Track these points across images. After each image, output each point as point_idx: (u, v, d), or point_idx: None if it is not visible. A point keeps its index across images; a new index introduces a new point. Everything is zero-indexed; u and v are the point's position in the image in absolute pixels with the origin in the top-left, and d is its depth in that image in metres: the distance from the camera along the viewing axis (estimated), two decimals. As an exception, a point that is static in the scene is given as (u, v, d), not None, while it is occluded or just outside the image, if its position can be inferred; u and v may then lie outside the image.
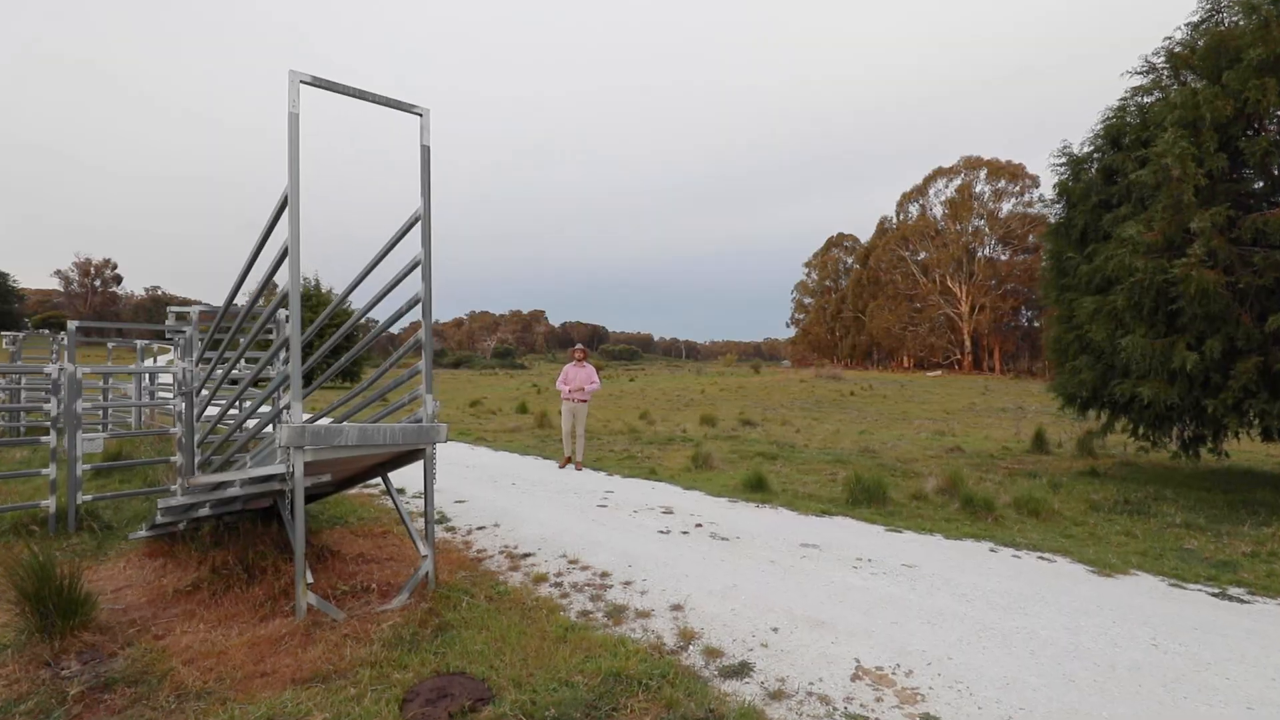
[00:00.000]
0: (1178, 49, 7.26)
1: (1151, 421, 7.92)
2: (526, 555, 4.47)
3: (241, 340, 3.99)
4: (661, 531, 5.09)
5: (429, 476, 3.65)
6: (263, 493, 3.50)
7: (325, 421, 4.48)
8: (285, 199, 3.15)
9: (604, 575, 4.04)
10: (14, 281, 56.35)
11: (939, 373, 53.75)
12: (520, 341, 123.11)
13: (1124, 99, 7.87)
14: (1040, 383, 44.05)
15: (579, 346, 9.19)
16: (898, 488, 7.03)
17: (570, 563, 4.29)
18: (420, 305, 3.65)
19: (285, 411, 3.03)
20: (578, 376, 8.78)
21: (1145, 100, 7.53)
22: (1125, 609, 3.51)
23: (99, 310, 75.13)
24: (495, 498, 6.37)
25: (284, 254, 3.20)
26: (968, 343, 58.12)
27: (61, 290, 79.11)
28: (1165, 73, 7.38)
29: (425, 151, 3.60)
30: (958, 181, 60.18)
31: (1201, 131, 6.46)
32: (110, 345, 10.86)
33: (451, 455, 9.44)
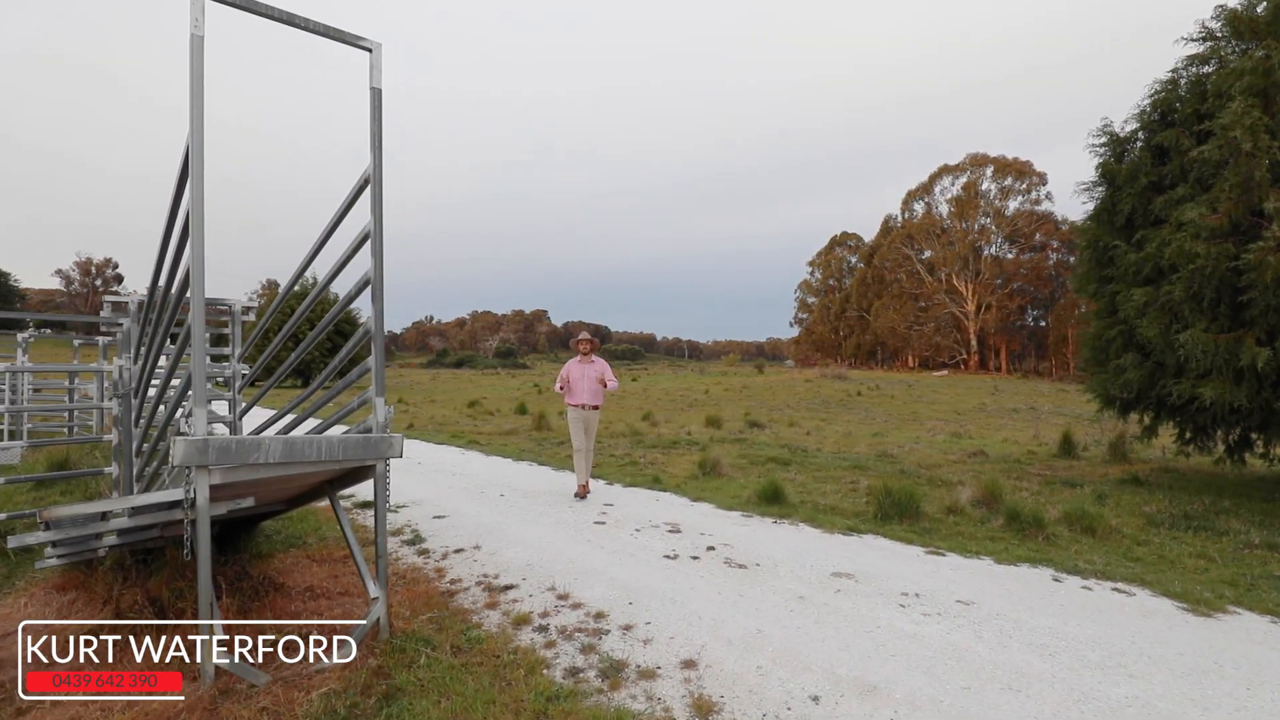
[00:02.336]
0: (1239, 11, 6.54)
1: (1207, 424, 7.22)
2: (508, 588, 3.77)
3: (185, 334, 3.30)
4: (668, 556, 4.38)
5: (380, 500, 2.96)
6: (177, 519, 2.81)
7: (273, 430, 3.81)
8: (187, 154, 2.47)
9: (599, 616, 3.34)
10: (15, 281, 56.08)
11: (945, 372, 52.96)
12: (523, 341, 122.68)
13: (1175, 70, 7.15)
14: (1049, 383, 43.26)
15: (585, 335, 6.62)
16: (928, 499, 6.32)
17: (559, 598, 3.59)
18: (370, 288, 2.95)
19: (185, 421, 2.34)
20: (586, 376, 6.36)
21: (1202, 70, 6.81)
22: (1254, 668, 2.80)
23: (99, 310, 74.66)
24: (480, 512, 5.67)
25: (187, 225, 2.51)
26: (974, 342, 57.32)
27: (63, 290, 78.86)
28: (1225, 39, 6.65)
29: (376, 96, 2.91)
30: (963, 179, 59.41)
31: (1275, 100, 5.75)
32: (77, 343, 10.18)
33: (440, 461, 8.76)
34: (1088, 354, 8.39)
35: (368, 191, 2.96)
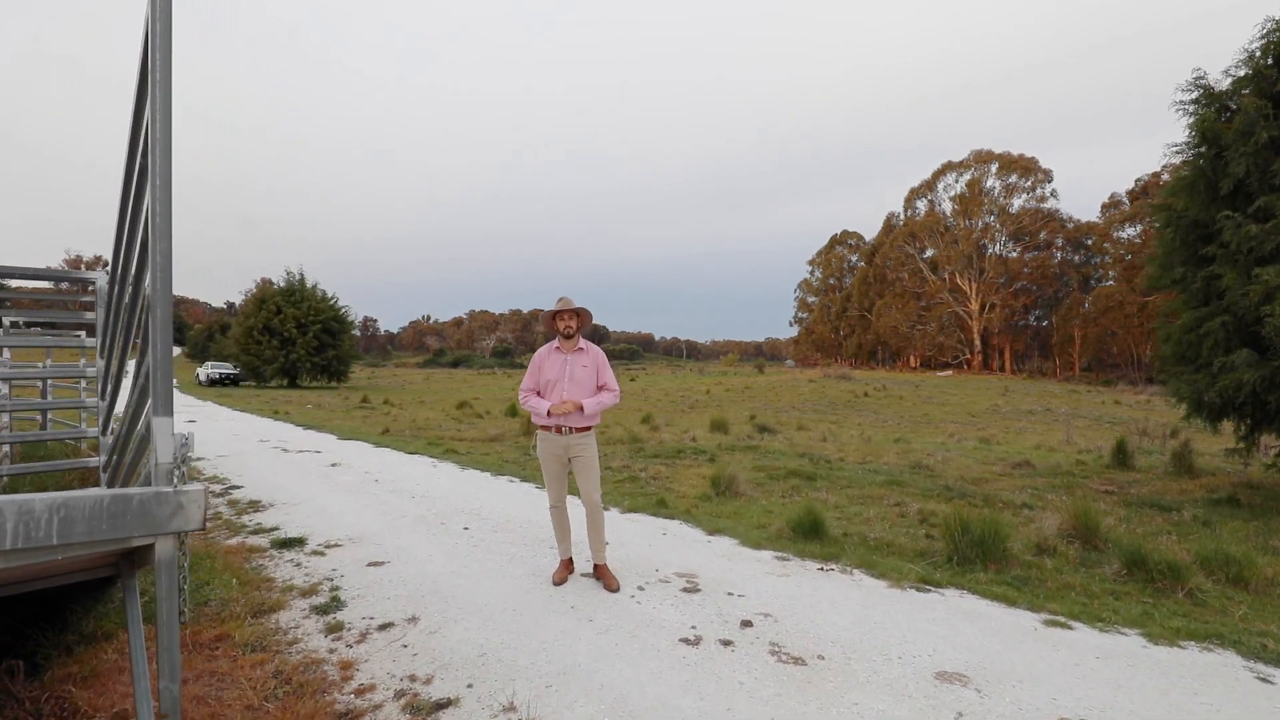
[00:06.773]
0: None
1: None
2: (442, 706, 2.43)
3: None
4: (686, 640, 3.02)
5: (169, 606, 1.61)
6: None
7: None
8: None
9: (580, 779, 2.01)
10: (7, 280, 54.75)
11: (949, 372, 51.90)
12: (520, 341, 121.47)
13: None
14: (1057, 383, 42.06)
15: (566, 305, 3.91)
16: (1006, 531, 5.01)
17: (519, 731, 2.26)
18: (151, 228, 1.60)
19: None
20: (570, 375, 3.83)
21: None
22: None
23: (91, 308, 73.21)
24: (432, 555, 4.32)
25: None
26: (977, 342, 56.20)
27: (52, 287, 77.36)
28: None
29: None
30: (967, 176, 58.33)
31: None
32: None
33: (403, 477, 7.41)
34: (1169, 351, 7.08)
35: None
